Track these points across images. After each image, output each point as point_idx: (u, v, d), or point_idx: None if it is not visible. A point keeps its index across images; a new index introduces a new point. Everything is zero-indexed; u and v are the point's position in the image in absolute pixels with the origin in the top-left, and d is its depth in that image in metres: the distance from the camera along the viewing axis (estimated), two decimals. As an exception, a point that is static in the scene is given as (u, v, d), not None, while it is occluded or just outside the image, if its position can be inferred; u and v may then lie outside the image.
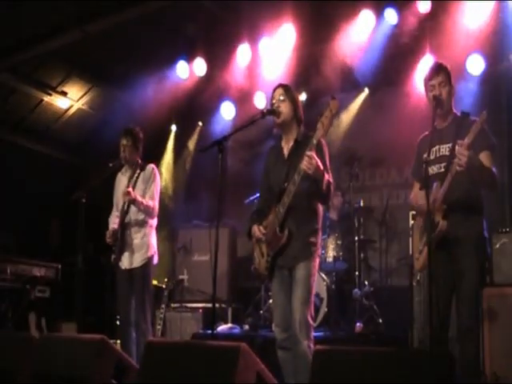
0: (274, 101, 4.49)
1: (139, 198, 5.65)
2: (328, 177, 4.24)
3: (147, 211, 5.74)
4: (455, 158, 3.93)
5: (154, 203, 5.80)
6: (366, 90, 8.57)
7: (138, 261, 5.70)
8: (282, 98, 4.45)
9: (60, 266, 7.69)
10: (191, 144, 9.86)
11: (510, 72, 7.33)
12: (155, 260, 5.84)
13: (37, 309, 7.04)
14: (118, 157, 5.86)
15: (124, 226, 5.74)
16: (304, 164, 4.06)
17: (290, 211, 4.29)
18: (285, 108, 4.44)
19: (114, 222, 5.90)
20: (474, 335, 4.01)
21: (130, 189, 5.60)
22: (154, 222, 5.90)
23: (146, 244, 5.77)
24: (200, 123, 9.84)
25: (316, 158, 4.07)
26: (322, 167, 4.12)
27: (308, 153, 4.07)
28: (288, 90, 4.51)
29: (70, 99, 9.20)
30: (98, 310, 7.08)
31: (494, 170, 4.10)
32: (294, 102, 4.47)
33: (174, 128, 10.02)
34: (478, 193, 4.21)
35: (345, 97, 8.49)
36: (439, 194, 4.02)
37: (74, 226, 5.77)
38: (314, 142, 4.13)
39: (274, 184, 4.45)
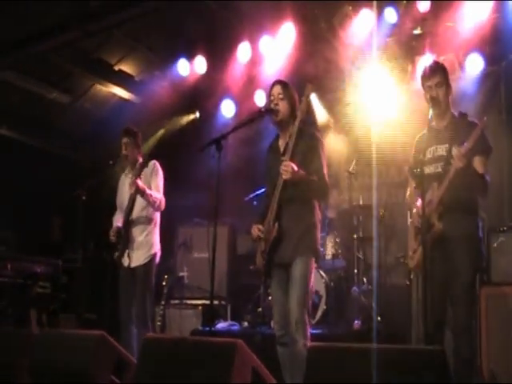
0: (272, 98, 4.52)
1: (147, 190, 5.68)
2: (316, 178, 4.28)
3: (155, 204, 5.76)
4: (453, 159, 3.99)
5: (161, 196, 5.85)
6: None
7: (141, 259, 5.74)
8: (280, 96, 4.49)
9: (61, 263, 7.72)
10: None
11: (510, 71, 7.33)
12: (157, 258, 5.87)
13: (38, 305, 7.07)
14: (120, 155, 5.93)
15: (128, 223, 5.76)
16: (281, 170, 4.18)
17: (284, 206, 4.33)
18: (283, 107, 4.46)
19: (117, 221, 5.93)
20: (470, 334, 4.04)
21: (138, 180, 5.60)
22: (157, 219, 5.92)
23: (150, 242, 5.81)
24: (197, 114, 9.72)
25: (291, 163, 4.16)
26: (298, 173, 4.17)
27: (284, 162, 4.20)
28: (286, 87, 4.53)
29: (73, 96, 9.23)
30: (99, 307, 7.13)
31: (486, 176, 4.12)
32: (291, 99, 4.49)
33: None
34: (474, 194, 4.24)
35: (343, 94, 8.50)
36: (436, 196, 4.05)
37: (75, 223, 5.81)
38: (295, 127, 4.29)
39: (274, 181, 4.44)
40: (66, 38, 7.68)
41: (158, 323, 7.10)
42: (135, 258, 5.73)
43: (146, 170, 5.79)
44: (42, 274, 7.32)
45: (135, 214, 5.79)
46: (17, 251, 7.50)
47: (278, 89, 4.52)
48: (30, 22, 7.63)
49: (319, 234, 4.49)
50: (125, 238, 5.73)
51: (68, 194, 5.89)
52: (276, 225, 4.30)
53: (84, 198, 5.73)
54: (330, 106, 8.52)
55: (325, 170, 4.38)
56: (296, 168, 4.16)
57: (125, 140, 5.91)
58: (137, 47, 8.78)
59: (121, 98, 9.42)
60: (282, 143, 4.56)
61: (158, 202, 5.77)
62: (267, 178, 4.66)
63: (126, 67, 9.07)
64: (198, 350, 3.32)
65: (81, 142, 9.70)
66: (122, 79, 9.11)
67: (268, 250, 4.36)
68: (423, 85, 4.33)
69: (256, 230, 4.46)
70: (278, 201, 4.31)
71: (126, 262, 5.74)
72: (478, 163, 4.11)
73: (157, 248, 5.86)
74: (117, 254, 5.74)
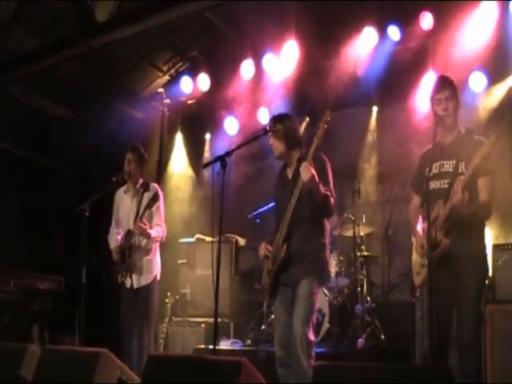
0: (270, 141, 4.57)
1: (152, 234, 5.76)
2: (325, 190, 4.28)
3: (156, 239, 5.86)
4: (459, 175, 3.98)
5: (163, 226, 5.94)
6: (375, 109, 8.47)
7: (143, 281, 5.80)
8: (271, 141, 4.53)
9: (63, 279, 7.69)
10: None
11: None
12: (158, 277, 5.93)
13: (40, 321, 7.04)
14: (122, 171, 5.94)
15: (131, 247, 5.80)
16: (300, 170, 4.19)
17: (294, 228, 4.33)
18: (277, 146, 4.52)
19: (116, 241, 5.96)
20: (475, 350, 4.01)
21: (144, 225, 5.67)
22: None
23: (152, 264, 5.88)
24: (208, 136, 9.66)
25: (311, 168, 4.17)
26: (317, 178, 4.18)
27: (304, 163, 4.20)
28: (276, 123, 4.54)
29: (75, 112, 9.24)
30: (102, 323, 7.10)
31: (488, 202, 4.09)
32: (285, 134, 4.50)
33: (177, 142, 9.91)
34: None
35: (347, 112, 8.50)
36: (442, 212, 4.02)
37: (77, 239, 5.79)
38: (310, 152, 4.26)
39: (283, 207, 4.46)
40: (70, 54, 7.70)
41: (161, 340, 7.07)
42: (138, 280, 5.78)
43: (148, 194, 5.83)
44: (45, 290, 7.30)
45: (139, 238, 5.84)
46: (20, 267, 7.48)
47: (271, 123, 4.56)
48: (35, 37, 7.68)
49: (328, 255, 4.50)
50: (127, 261, 5.77)
51: (70, 210, 5.87)
52: (285, 246, 4.30)
53: (87, 213, 5.72)
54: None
55: (333, 189, 4.42)
56: (315, 174, 4.18)
57: (129, 156, 5.96)
58: (140, 63, 8.81)
59: (124, 114, 9.43)
60: (289, 171, 4.60)
61: (159, 238, 5.89)
62: (276, 208, 4.72)
63: (130, 83, 9.10)
64: (204, 368, 3.29)
65: (83, 158, 9.70)
66: (126, 95, 9.12)
67: (275, 270, 4.34)
68: (432, 98, 4.29)
69: (264, 248, 4.46)
70: (289, 222, 4.30)
71: (128, 283, 5.78)
72: (483, 183, 4.09)
73: (158, 269, 5.94)
74: (120, 276, 5.77)
